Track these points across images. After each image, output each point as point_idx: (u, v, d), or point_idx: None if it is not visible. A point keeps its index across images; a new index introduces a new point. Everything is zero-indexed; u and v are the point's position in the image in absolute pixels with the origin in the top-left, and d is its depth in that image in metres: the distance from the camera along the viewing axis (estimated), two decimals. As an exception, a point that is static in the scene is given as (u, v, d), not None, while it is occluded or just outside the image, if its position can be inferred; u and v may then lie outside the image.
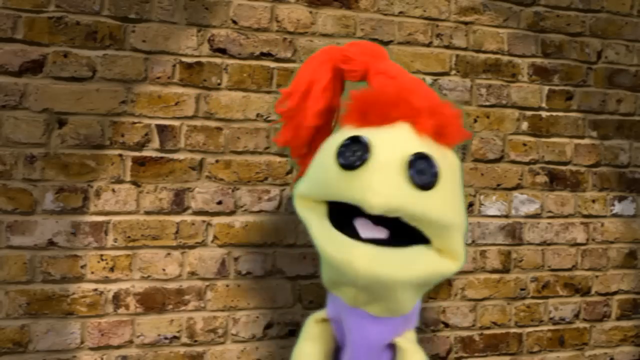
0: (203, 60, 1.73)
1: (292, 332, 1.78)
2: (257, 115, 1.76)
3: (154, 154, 1.69)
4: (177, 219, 1.70)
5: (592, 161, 2.08)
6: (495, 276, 1.96)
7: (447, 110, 1.21)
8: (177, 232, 1.69)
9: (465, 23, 1.96)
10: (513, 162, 2.00)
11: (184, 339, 1.69)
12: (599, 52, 2.11)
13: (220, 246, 1.73)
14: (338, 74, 1.35)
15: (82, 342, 1.62)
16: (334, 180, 1.15)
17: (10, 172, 1.58)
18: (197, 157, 1.72)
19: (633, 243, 2.12)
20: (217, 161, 1.73)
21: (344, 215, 1.17)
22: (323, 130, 1.36)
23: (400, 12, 1.90)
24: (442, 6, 1.94)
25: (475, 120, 1.96)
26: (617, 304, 2.10)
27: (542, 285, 2.01)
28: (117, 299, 1.64)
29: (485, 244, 1.96)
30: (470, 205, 1.94)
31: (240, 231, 1.75)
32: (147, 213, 1.67)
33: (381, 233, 1.15)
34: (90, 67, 1.64)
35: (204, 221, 1.72)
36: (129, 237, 1.66)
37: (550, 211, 2.03)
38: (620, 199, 2.11)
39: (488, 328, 1.95)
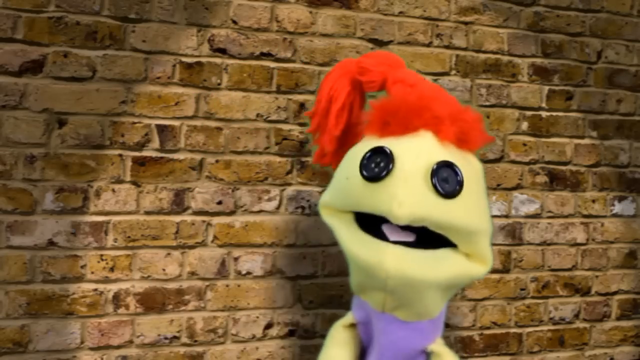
0: (203, 60, 1.73)
1: (292, 332, 1.78)
2: (257, 115, 1.76)
3: (154, 154, 1.69)
4: (177, 219, 1.70)
5: (592, 161, 2.08)
6: (495, 276, 1.96)
7: (468, 116, 1.22)
8: (177, 232, 1.69)
9: (465, 23, 1.96)
10: (513, 162, 2.00)
11: (184, 339, 1.69)
12: (599, 52, 2.11)
13: (220, 246, 1.73)
14: (356, 86, 1.36)
15: (82, 342, 1.62)
16: (358, 192, 1.16)
17: (10, 172, 1.58)
18: (197, 157, 1.72)
19: (633, 243, 2.12)
20: (217, 161, 1.73)
21: (370, 222, 1.18)
22: (350, 142, 1.38)
23: (400, 12, 1.90)
24: (442, 6, 1.94)
25: (475, 120, 1.96)
26: (617, 304, 2.10)
27: (542, 285, 2.01)
28: (117, 299, 1.64)
29: (485, 244, 1.96)
30: (470, 205, 1.94)
31: (240, 231, 1.74)
32: (147, 213, 1.67)
33: (409, 237, 1.16)
34: (90, 67, 1.64)
35: (204, 221, 1.72)
36: (129, 237, 1.66)
37: (550, 211, 2.03)
38: (620, 199, 2.11)
39: (488, 328, 1.95)
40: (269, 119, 1.77)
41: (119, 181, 1.65)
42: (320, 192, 1.80)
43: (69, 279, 1.61)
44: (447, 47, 1.94)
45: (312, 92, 1.80)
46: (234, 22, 1.76)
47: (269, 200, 1.77)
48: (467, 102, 1.95)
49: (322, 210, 1.28)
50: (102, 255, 1.64)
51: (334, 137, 1.36)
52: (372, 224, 1.17)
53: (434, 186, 1.10)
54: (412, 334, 1.25)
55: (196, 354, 1.70)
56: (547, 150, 2.03)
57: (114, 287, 1.64)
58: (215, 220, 1.73)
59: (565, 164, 2.05)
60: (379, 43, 1.87)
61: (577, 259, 2.06)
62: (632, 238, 2.12)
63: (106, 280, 1.64)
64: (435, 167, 1.11)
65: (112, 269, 1.64)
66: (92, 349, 1.62)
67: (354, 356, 1.36)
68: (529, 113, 2.02)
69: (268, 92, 1.77)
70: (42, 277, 1.59)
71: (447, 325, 1.91)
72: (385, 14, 1.88)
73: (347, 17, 1.85)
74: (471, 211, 1.16)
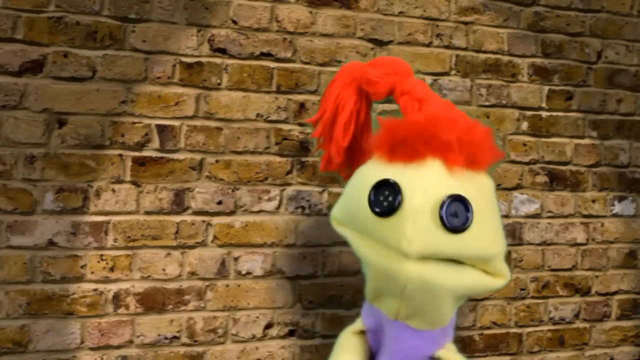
0: (203, 60, 1.73)
1: (292, 332, 1.78)
2: (257, 115, 1.76)
3: (154, 154, 1.69)
4: (177, 219, 1.70)
5: (592, 161, 2.08)
6: (495, 276, 1.96)
7: (477, 136, 1.19)
8: (177, 232, 1.69)
9: (465, 23, 1.96)
10: (513, 162, 2.00)
11: (184, 339, 1.69)
12: (599, 52, 2.11)
13: (220, 246, 1.73)
14: (363, 94, 1.36)
15: (82, 342, 1.62)
16: (368, 224, 1.16)
17: (10, 172, 1.58)
18: (197, 157, 1.72)
19: (633, 243, 2.12)
20: (217, 161, 1.73)
21: None
22: (358, 151, 1.39)
23: (400, 12, 1.90)
24: (442, 6, 1.94)
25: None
26: (617, 304, 2.10)
27: (542, 285, 2.01)
28: (117, 299, 1.64)
29: (485, 244, 1.96)
30: (470, 205, 1.94)
31: (240, 231, 1.74)
32: (147, 213, 1.67)
33: None
34: (90, 67, 1.64)
35: (204, 221, 1.72)
36: (129, 237, 1.66)
37: (550, 211, 2.03)
38: (620, 199, 2.11)
39: (488, 328, 1.95)
40: (269, 119, 1.77)
41: (119, 181, 1.65)
42: (321, 192, 1.80)
43: (69, 279, 1.61)
44: (447, 47, 1.94)
45: (312, 92, 1.80)
46: (234, 22, 1.76)
47: (269, 200, 1.77)
48: (467, 102, 1.95)
49: (333, 222, 1.29)
50: (102, 255, 1.64)
51: (342, 148, 1.36)
52: None
53: (443, 222, 1.09)
54: (423, 342, 1.26)
55: (196, 354, 1.70)
56: (547, 150, 2.03)
57: (114, 287, 1.64)
58: (215, 220, 1.73)
59: (565, 164, 2.05)
60: (379, 43, 1.87)
61: (577, 259, 2.06)
62: (632, 238, 2.12)
63: (106, 280, 1.64)
64: (443, 202, 1.10)
65: (112, 269, 1.64)
66: (92, 349, 1.62)
67: None
68: (529, 113, 2.02)
69: (268, 92, 1.77)
70: (42, 277, 1.59)
71: (447, 325, 1.91)
72: (385, 14, 1.88)
73: (347, 17, 1.85)
74: (484, 240, 1.16)
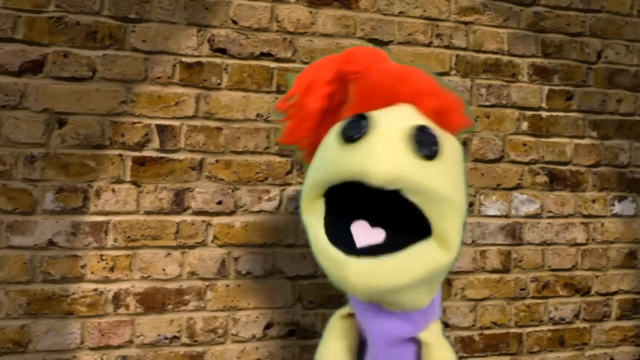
0: (203, 60, 1.73)
1: (292, 332, 1.78)
2: (257, 115, 1.76)
3: (154, 154, 1.69)
4: (177, 219, 1.70)
5: (592, 161, 2.08)
6: (495, 276, 1.96)
7: (449, 95, 1.22)
8: (177, 232, 1.69)
9: (465, 23, 1.96)
10: (513, 162, 2.00)
11: (184, 339, 1.69)
12: (599, 52, 2.11)
13: (220, 246, 1.73)
14: (340, 76, 1.34)
15: (82, 342, 1.62)
16: (335, 157, 1.14)
17: (10, 172, 1.58)
18: (197, 157, 1.72)
19: (633, 243, 2.12)
20: (217, 161, 1.73)
21: (343, 221, 1.17)
22: (327, 127, 1.34)
23: (400, 12, 1.90)
24: (442, 6, 1.94)
25: (475, 120, 1.96)
26: (617, 304, 2.10)
27: (542, 285, 2.01)
28: (117, 299, 1.64)
29: (485, 244, 1.96)
30: (470, 205, 1.95)
31: (240, 231, 1.75)
32: (147, 213, 1.67)
33: (378, 236, 1.14)
34: (90, 67, 1.64)
35: (204, 221, 1.72)
36: (129, 237, 1.66)
37: (550, 211, 2.03)
38: (620, 199, 2.11)
39: (488, 328, 1.95)
40: (269, 119, 1.77)
41: (119, 181, 1.65)
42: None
43: (69, 279, 1.61)
44: (447, 47, 1.94)
45: (312, 92, 1.80)
46: (234, 22, 1.76)
47: (269, 200, 1.77)
48: (467, 102, 1.95)
49: (301, 204, 1.25)
50: (102, 255, 1.64)
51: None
52: (344, 222, 1.16)
53: (412, 147, 1.09)
54: (401, 322, 1.24)
55: (196, 354, 1.70)
56: (547, 150, 2.03)
57: (114, 287, 1.64)
58: (215, 220, 1.73)
59: (565, 164, 2.05)
60: (379, 43, 1.87)
61: (577, 259, 2.06)
62: (632, 238, 2.12)
63: (106, 280, 1.64)
64: (413, 129, 1.10)
65: (112, 269, 1.64)
66: (92, 349, 1.62)
67: (350, 346, 1.36)
68: (529, 113, 2.02)
69: (268, 92, 1.77)
70: (42, 277, 1.59)
71: (447, 325, 1.91)
72: (385, 14, 1.88)
73: (347, 17, 1.85)
74: (447, 178, 1.14)
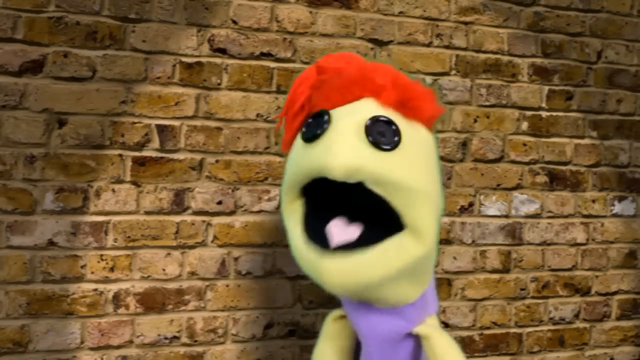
0: (203, 60, 1.73)
1: (292, 332, 1.78)
2: (257, 115, 1.76)
3: (154, 154, 1.69)
4: (177, 219, 1.70)
5: (592, 161, 2.08)
6: (495, 276, 1.96)
7: (413, 86, 1.21)
8: (177, 232, 1.69)
9: (465, 23, 1.96)
10: (513, 162, 2.00)
11: (184, 339, 1.69)
12: (599, 52, 2.11)
13: (220, 246, 1.73)
14: (316, 87, 1.33)
15: (82, 342, 1.62)
16: (299, 156, 1.17)
17: (10, 172, 1.58)
18: (197, 157, 1.72)
19: (633, 243, 2.12)
20: (217, 161, 1.73)
21: (323, 219, 1.17)
22: None
23: (400, 12, 1.90)
24: (442, 6, 1.94)
25: (475, 120, 1.96)
26: (617, 304, 2.10)
27: (542, 285, 2.01)
28: (117, 299, 1.64)
29: (485, 244, 1.96)
30: (470, 205, 1.95)
31: (240, 231, 1.74)
32: (147, 213, 1.67)
33: (354, 232, 1.14)
34: (90, 67, 1.64)
35: (204, 221, 1.72)
36: (129, 237, 1.66)
37: (550, 211, 2.03)
38: (620, 199, 2.11)
39: (488, 328, 1.95)
40: (269, 119, 1.77)
41: (119, 181, 1.65)
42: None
43: (69, 279, 1.61)
44: (447, 47, 1.94)
45: (312, 92, 1.80)
46: (234, 22, 1.76)
47: (269, 200, 1.77)
48: (467, 102, 1.95)
49: (282, 205, 1.27)
50: (102, 255, 1.64)
51: (288, 139, 1.33)
52: (322, 220, 1.16)
53: (368, 138, 1.09)
54: (392, 318, 1.23)
55: (196, 354, 1.70)
56: (547, 150, 2.03)
57: (114, 287, 1.64)
58: (215, 220, 1.73)
59: (565, 164, 2.05)
60: (379, 43, 1.87)
61: (577, 259, 2.06)
62: (632, 238, 2.12)
63: (106, 280, 1.64)
64: (369, 121, 1.10)
65: (112, 269, 1.64)
66: (92, 349, 1.62)
67: (344, 348, 1.36)
68: (529, 113, 2.02)
69: (268, 92, 1.77)
70: (42, 277, 1.59)
71: (447, 325, 1.91)
72: (385, 14, 1.88)
73: (347, 17, 1.85)
74: (411, 167, 1.13)
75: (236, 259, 1.74)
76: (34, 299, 1.58)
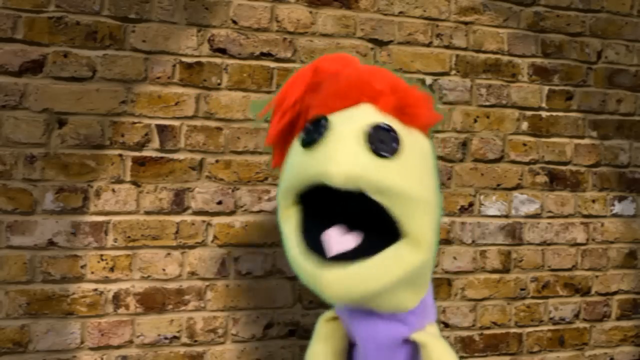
0: (203, 60, 1.73)
1: (292, 332, 1.78)
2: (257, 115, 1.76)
3: (154, 154, 1.69)
4: (177, 219, 1.70)
5: (592, 161, 2.08)
6: (495, 276, 1.96)
7: (411, 92, 1.20)
8: (177, 232, 1.69)
9: (465, 23, 1.96)
10: (513, 162, 2.00)
11: (184, 339, 1.69)
12: (599, 52, 2.11)
13: (220, 246, 1.73)
14: (311, 88, 1.32)
15: (82, 342, 1.62)
16: (297, 162, 1.15)
17: (10, 172, 1.58)
18: (197, 157, 1.72)
19: (633, 243, 2.12)
20: (217, 161, 1.73)
21: (322, 226, 1.15)
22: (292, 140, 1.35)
23: (400, 12, 1.90)
24: (442, 6, 1.94)
25: (475, 120, 1.96)
26: (617, 304, 2.10)
27: (542, 285, 2.01)
28: (117, 299, 1.64)
29: (485, 244, 1.96)
30: (470, 205, 1.94)
31: (240, 231, 1.74)
32: (147, 213, 1.67)
33: (352, 241, 1.12)
34: (90, 67, 1.64)
35: (204, 221, 1.72)
36: (129, 237, 1.66)
37: (550, 211, 2.03)
38: (620, 199, 2.11)
39: (488, 328, 1.95)
40: (269, 119, 1.77)
41: (119, 181, 1.65)
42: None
43: (69, 279, 1.61)
44: (447, 47, 1.94)
45: (312, 92, 1.80)
46: (234, 22, 1.76)
47: (269, 200, 1.77)
48: (467, 102, 1.95)
49: (278, 211, 1.25)
50: (102, 255, 1.64)
51: (275, 132, 1.32)
52: (320, 228, 1.15)
53: (370, 146, 1.08)
54: (390, 324, 1.22)
55: (196, 354, 1.70)
56: (547, 150, 2.03)
57: (114, 287, 1.64)
58: (215, 220, 1.73)
59: (565, 164, 2.05)
60: (379, 43, 1.87)
61: (577, 259, 2.06)
62: (632, 238, 2.12)
63: (106, 280, 1.64)
64: (370, 127, 1.09)
65: (112, 269, 1.64)
66: (92, 349, 1.62)
67: (336, 349, 1.35)
68: (529, 113, 2.02)
69: (268, 92, 1.77)
70: (42, 277, 1.59)
71: (447, 325, 1.91)
72: (385, 14, 1.88)
73: (347, 17, 1.85)
74: (410, 176, 1.12)
75: (236, 259, 1.74)
76: (34, 299, 1.58)
